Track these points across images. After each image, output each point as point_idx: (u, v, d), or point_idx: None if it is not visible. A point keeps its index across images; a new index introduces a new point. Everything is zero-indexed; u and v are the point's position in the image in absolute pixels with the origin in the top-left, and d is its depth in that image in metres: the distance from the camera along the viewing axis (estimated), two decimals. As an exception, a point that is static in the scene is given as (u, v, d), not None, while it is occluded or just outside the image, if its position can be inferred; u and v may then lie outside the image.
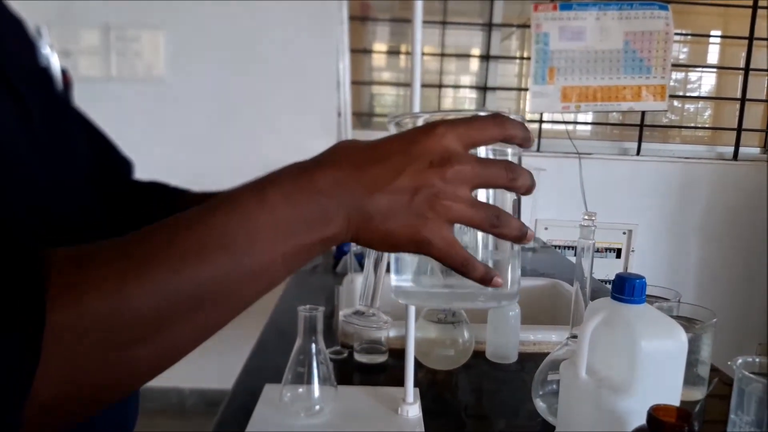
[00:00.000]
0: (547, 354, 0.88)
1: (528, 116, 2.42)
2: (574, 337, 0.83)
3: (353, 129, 2.37)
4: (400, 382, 0.81)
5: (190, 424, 2.43)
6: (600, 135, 2.59)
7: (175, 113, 2.25)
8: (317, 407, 0.73)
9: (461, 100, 2.55)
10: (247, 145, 2.28)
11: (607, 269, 2.34)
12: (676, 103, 2.57)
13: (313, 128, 2.27)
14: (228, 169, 2.35)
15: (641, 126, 2.44)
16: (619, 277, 0.71)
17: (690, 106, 2.64)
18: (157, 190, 0.91)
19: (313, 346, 0.73)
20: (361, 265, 1.69)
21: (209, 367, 2.45)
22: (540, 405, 0.86)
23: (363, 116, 2.44)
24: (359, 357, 1.03)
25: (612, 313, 0.70)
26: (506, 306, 1.03)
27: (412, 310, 0.75)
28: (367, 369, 1.01)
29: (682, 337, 0.69)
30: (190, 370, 2.49)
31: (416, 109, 0.70)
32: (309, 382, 0.73)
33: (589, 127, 2.57)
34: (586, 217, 0.83)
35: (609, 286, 0.84)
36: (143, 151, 2.27)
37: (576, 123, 2.47)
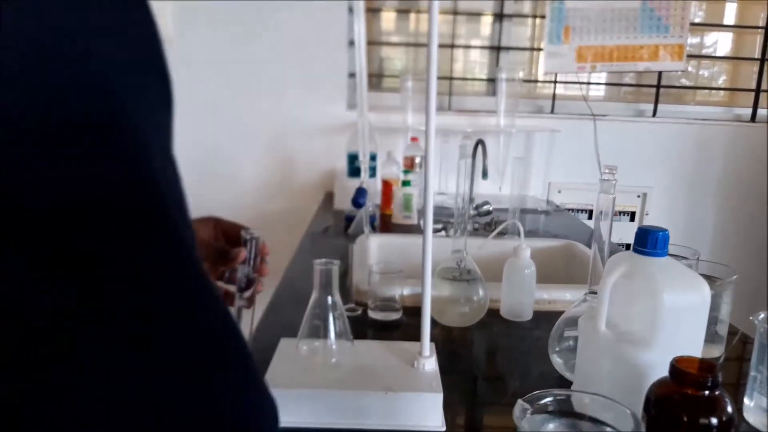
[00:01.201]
0: (561, 312, 0.88)
1: (542, 77, 2.38)
2: (593, 293, 0.82)
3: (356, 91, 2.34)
4: (414, 338, 0.81)
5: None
6: (615, 96, 2.54)
7: (183, 76, 2.22)
8: (334, 360, 0.73)
9: (472, 64, 2.50)
10: (256, 108, 2.26)
11: (621, 233, 2.31)
12: (691, 68, 2.51)
13: (324, 90, 2.24)
14: (237, 132, 2.34)
15: (658, 87, 2.39)
16: (641, 229, 0.69)
17: (704, 71, 2.58)
18: None
19: (329, 299, 0.73)
20: (374, 227, 1.68)
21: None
22: (556, 360, 0.85)
23: (373, 77, 2.39)
24: (373, 314, 1.03)
25: (634, 266, 0.69)
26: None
27: (428, 264, 0.74)
28: (381, 326, 1.01)
29: (705, 291, 0.68)
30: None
31: (433, 72, 0.68)
32: (325, 335, 0.72)
33: (604, 89, 2.52)
34: (607, 170, 0.81)
35: (624, 250, 0.82)
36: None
37: (591, 84, 2.42)
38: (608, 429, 0.52)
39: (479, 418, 0.75)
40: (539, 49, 2.36)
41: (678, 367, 0.58)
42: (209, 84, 2.24)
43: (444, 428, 0.69)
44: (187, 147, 2.54)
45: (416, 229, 1.68)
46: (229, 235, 0.83)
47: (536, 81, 2.44)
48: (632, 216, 2.39)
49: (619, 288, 0.69)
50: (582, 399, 0.54)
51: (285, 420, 0.71)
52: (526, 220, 1.83)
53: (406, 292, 1.08)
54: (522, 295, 1.04)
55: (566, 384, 0.82)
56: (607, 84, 2.51)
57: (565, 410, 0.54)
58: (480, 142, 1.35)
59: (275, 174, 2.30)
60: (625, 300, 0.70)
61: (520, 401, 0.52)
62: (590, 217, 2.34)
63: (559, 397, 0.54)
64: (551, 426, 0.53)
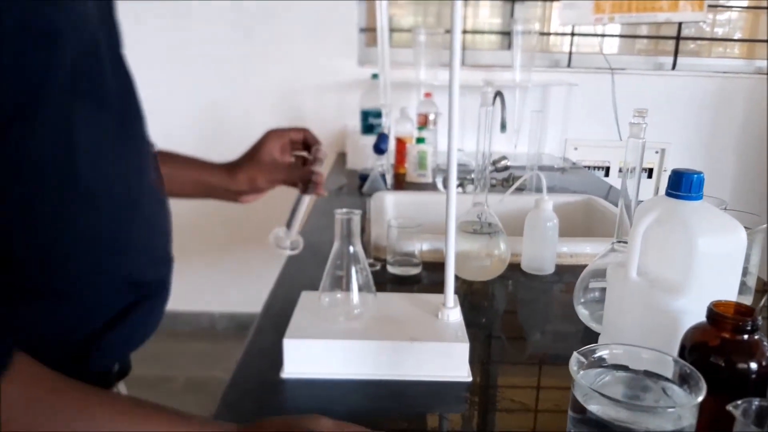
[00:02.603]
0: (583, 266, 0.86)
1: (558, 29, 2.31)
2: (621, 242, 0.80)
3: (367, 46, 2.28)
4: (434, 292, 0.79)
5: (220, 347, 2.49)
6: (630, 50, 2.47)
7: (186, 34, 2.18)
8: (357, 311, 0.71)
9: (484, 18, 2.43)
10: (264, 65, 2.22)
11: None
12: (705, 27, 2.43)
13: (333, 46, 2.19)
14: (246, 91, 2.30)
15: (678, 38, 2.32)
16: (675, 172, 0.67)
17: (723, 23, 2.50)
18: None
19: (351, 249, 0.71)
20: (386, 185, 1.66)
21: (239, 292, 2.49)
22: (582, 312, 0.84)
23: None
24: (392, 269, 1.02)
25: (667, 210, 0.66)
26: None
27: (453, 208, 0.72)
28: (400, 281, 1.00)
29: (741, 235, 0.66)
30: (220, 294, 2.54)
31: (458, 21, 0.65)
32: (348, 286, 0.71)
33: (617, 43, 2.45)
34: (637, 114, 0.78)
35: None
36: (158, 73, 2.22)
37: (608, 36, 2.35)
38: (668, 384, 0.50)
39: (504, 370, 0.74)
40: None
41: (716, 311, 0.56)
42: (214, 41, 2.19)
43: (470, 378, 0.68)
44: (194, 107, 2.51)
45: (431, 188, 1.66)
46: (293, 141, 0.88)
47: (552, 33, 2.37)
48: (650, 173, 2.35)
49: (651, 234, 0.67)
50: (638, 353, 0.52)
51: (308, 371, 0.70)
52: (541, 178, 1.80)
53: (425, 247, 1.07)
54: (544, 248, 1.01)
55: (592, 335, 0.80)
56: (624, 36, 2.43)
57: (619, 364, 0.52)
58: (498, 94, 1.31)
59: (286, 134, 2.27)
60: (657, 246, 0.68)
61: (576, 354, 0.50)
62: (607, 174, 2.30)
63: (615, 351, 0.52)
64: (608, 379, 0.51)
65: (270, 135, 0.86)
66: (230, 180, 0.85)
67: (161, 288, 0.64)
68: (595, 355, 0.52)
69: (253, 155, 0.86)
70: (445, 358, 0.67)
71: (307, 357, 0.68)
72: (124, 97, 0.56)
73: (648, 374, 0.52)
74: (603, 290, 0.82)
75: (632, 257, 0.68)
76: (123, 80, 0.56)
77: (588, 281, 0.84)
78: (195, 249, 2.47)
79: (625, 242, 0.80)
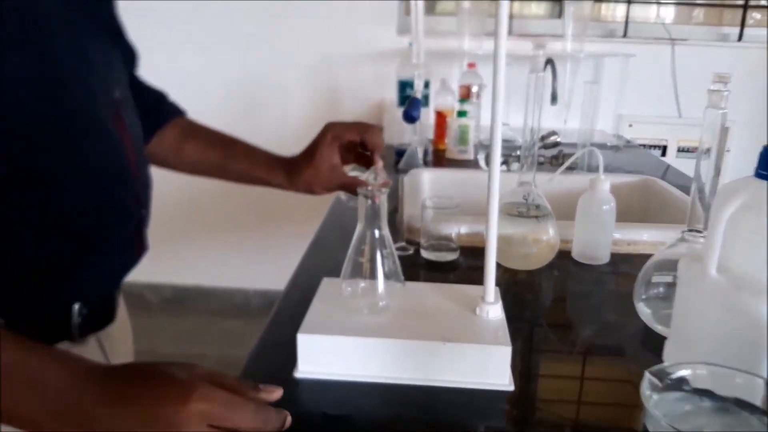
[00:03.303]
0: (642, 256, 0.74)
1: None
2: (694, 231, 0.68)
3: (407, 14, 2.15)
4: (472, 282, 0.70)
5: (254, 325, 2.45)
6: (686, 20, 2.27)
7: (224, 3, 2.10)
8: (382, 303, 0.62)
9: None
10: (300, 38, 2.12)
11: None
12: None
13: (371, 14, 2.08)
14: (282, 61, 2.22)
15: (745, 6, 2.12)
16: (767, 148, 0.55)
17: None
18: (155, 100, 0.85)
19: (377, 232, 0.61)
20: (426, 163, 1.55)
21: (274, 269, 2.43)
22: (643, 310, 0.73)
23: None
24: (426, 254, 0.92)
25: (756, 194, 0.55)
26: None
27: (496, 191, 0.61)
28: (435, 267, 0.90)
29: None
30: (254, 271, 2.49)
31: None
32: (372, 275, 0.62)
33: (673, 12, 2.26)
34: (718, 79, 0.66)
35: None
36: (192, 45, 2.16)
37: (669, 4, 2.17)
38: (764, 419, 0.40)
39: (551, 379, 0.64)
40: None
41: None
42: (247, 10, 2.11)
43: (512, 387, 0.58)
44: (228, 80, 2.44)
45: (472, 165, 1.54)
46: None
47: (607, 0, 2.20)
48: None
49: (736, 222, 0.56)
50: (729, 376, 0.41)
51: (322, 371, 0.60)
52: (592, 157, 1.67)
53: (464, 230, 0.96)
54: (598, 234, 0.90)
55: (654, 339, 0.69)
56: (684, 3, 2.24)
57: (700, 388, 0.41)
58: (549, 62, 1.19)
59: (320, 106, 2.18)
60: (743, 238, 0.56)
61: (648, 375, 0.40)
62: (664, 154, 2.14)
63: (698, 371, 0.41)
64: (688, 408, 0.41)
65: (327, 136, 0.78)
66: (287, 183, 0.82)
67: (108, 241, 0.64)
68: (673, 376, 0.41)
69: (310, 158, 0.79)
70: (482, 363, 0.58)
71: (324, 355, 0.59)
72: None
73: (740, 403, 0.41)
74: (669, 286, 0.71)
75: (711, 250, 0.56)
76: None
77: (651, 274, 0.73)
78: (230, 225, 2.43)
79: (699, 231, 0.69)
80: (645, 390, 0.39)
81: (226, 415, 0.43)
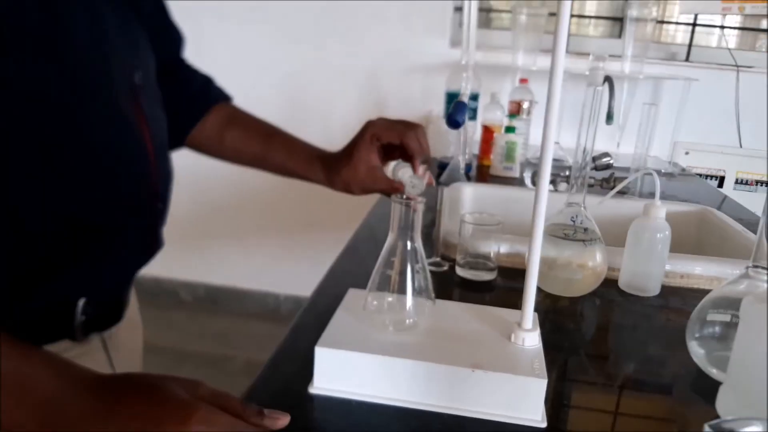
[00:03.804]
0: (695, 290, 0.68)
1: (679, 18, 2.06)
2: (759, 267, 0.62)
3: (461, 26, 2.11)
4: (508, 305, 0.65)
5: (283, 330, 2.43)
6: (751, 46, 2.17)
7: (274, 6, 2.10)
8: (409, 321, 0.58)
9: (590, 7, 2.21)
10: (351, 43, 2.11)
11: (755, 206, 2.00)
12: None
13: (425, 24, 2.04)
14: (330, 68, 2.20)
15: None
16: None
17: None
18: (202, 84, 0.82)
19: (409, 244, 0.57)
20: (469, 177, 1.51)
21: (304, 275, 2.41)
22: (696, 350, 0.66)
23: (481, 12, 2.16)
24: (462, 272, 0.87)
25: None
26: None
27: (542, 209, 0.56)
28: (470, 286, 0.85)
29: None
30: (286, 276, 2.47)
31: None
32: (401, 289, 0.57)
33: (737, 37, 2.16)
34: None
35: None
36: (239, 46, 2.16)
37: (734, 28, 2.07)
38: None
39: (589, 418, 0.58)
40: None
41: None
42: (300, 13, 2.10)
43: (545, 424, 0.53)
44: (275, 80, 2.42)
45: (518, 183, 1.49)
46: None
47: (670, 22, 2.11)
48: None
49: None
50: None
51: (339, 389, 0.55)
52: (645, 183, 1.59)
53: (503, 249, 0.91)
54: (650, 264, 0.84)
55: (708, 383, 0.63)
56: (751, 29, 2.14)
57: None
58: (607, 79, 1.13)
59: (364, 116, 2.15)
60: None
61: (708, 429, 0.34)
62: (720, 185, 2.03)
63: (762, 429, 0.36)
64: None
65: (366, 136, 0.74)
66: (326, 181, 0.79)
67: (119, 235, 0.60)
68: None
69: (348, 158, 0.75)
70: (514, 395, 0.53)
71: (342, 371, 0.55)
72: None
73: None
74: (727, 326, 0.64)
75: (783, 291, 0.50)
76: None
77: (708, 312, 0.66)
78: (267, 228, 2.42)
79: (764, 268, 0.62)
80: (704, 448, 0.33)
81: None
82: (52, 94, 0.51)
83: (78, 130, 0.54)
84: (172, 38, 0.79)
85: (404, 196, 0.57)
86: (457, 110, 0.69)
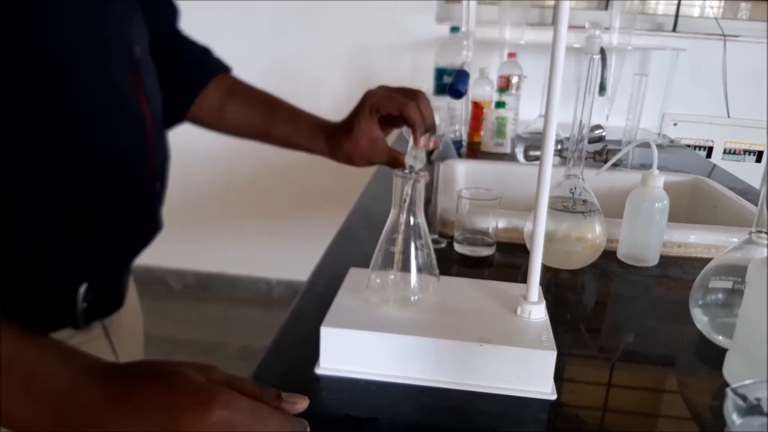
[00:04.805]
0: (693, 259, 0.67)
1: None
2: (762, 232, 0.62)
3: (446, 1, 2.09)
4: (508, 280, 0.64)
5: (276, 315, 2.43)
6: (734, 14, 2.16)
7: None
8: (414, 298, 0.57)
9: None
10: (335, 22, 2.08)
11: (744, 174, 2.01)
12: None
13: (410, 3, 2.02)
14: (315, 52, 2.17)
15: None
16: None
17: None
18: (200, 55, 0.79)
19: (411, 220, 0.56)
20: (460, 155, 1.50)
21: (297, 259, 2.40)
22: (700, 318, 0.66)
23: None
24: (460, 248, 0.87)
25: None
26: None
27: (547, 180, 0.56)
28: (469, 263, 0.85)
29: None
30: (278, 260, 2.46)
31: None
32: (405, 266, 0.57)
33: (722, 5, 2.15)
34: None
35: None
36: (226, 35, 2.12)
37: None
38: None
39: (594, 387, 0.58)
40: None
41: None
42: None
43: (555, 396, 0.53)
44: (261, 63, 2.38)
45: (509, 159, 1.48)
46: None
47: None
48: (758, 156, 2.07)
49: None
50: None
51: (346, 369, 0.54)
52: (636, 155, 1.59)
53: (502, 224, 0.91)
54: (648, 234, 0.84)
55: (711, 350, 0.63)
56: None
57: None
58: (600, 51, 1.12)
59: (354, 94, 2.12)
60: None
61: (731, 394, 0.34)
62: (709, 155, 2.04)
63: None
64: None
65: (365, 107, 0.71)
66: (329, 153, 0.77)
67: (118, 215, 0.59)
68: (757, 396, 0.35)
69: (349, 130, 0.73)
70: (523, 368, 0.52)
71: (348, 351, 0.55)
72: None
73: None
74: (730, 292, 0.64)
75: (790, 254, 0.50)
76: None
77: (710, 279, 0.66)
78: (257, 212, 2.40)
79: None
80: (730, 412, 0.33)
81: (250, 426, 0.38)
82: (39, 67, 0.49)
83: (74, 107, 0.52)
84: (167, 10, 0.76)
85: (407, 170, 0.56)
86: (459, 79, 0.67)
